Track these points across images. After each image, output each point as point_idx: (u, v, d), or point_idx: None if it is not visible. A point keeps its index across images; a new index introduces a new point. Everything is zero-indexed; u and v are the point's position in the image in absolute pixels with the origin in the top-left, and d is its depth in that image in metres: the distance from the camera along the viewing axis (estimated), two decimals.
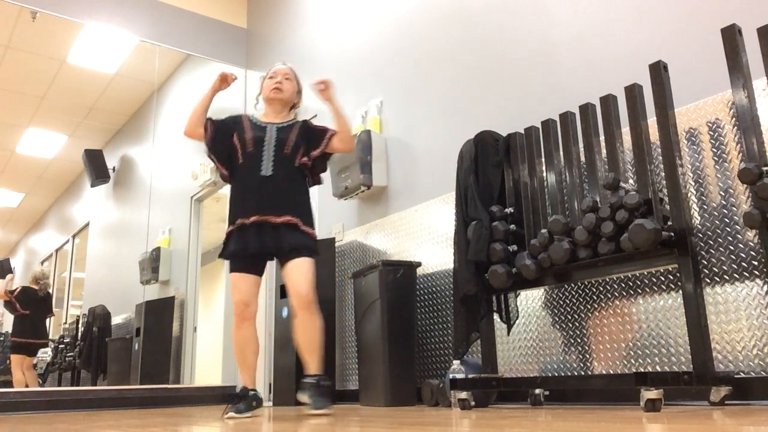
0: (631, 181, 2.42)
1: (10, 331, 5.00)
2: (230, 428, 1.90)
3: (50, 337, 5.34)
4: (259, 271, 2.70)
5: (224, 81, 2.78)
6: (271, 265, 5.02)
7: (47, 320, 5.19)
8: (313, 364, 2.61)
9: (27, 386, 4.83)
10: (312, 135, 2.81)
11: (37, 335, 5.02)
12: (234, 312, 2.66)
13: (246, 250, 2.62)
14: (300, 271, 2.60)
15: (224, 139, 2.77)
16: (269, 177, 2.66)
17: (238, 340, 2.65)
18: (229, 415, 2.49)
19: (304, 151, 2.76)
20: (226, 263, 5.48)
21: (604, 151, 2.54)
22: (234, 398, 2.56)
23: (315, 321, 2.60)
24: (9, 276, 5.05)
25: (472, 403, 2.44)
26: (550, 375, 2.65)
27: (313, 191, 4.43)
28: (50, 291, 5.25)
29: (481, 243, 2.61)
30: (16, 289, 5.02)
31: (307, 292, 2.58)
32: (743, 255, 2.12)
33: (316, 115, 4.07)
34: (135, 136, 5.83)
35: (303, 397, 2.55)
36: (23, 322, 4.96)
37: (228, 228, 2.70)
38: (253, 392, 2.61)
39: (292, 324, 2.65)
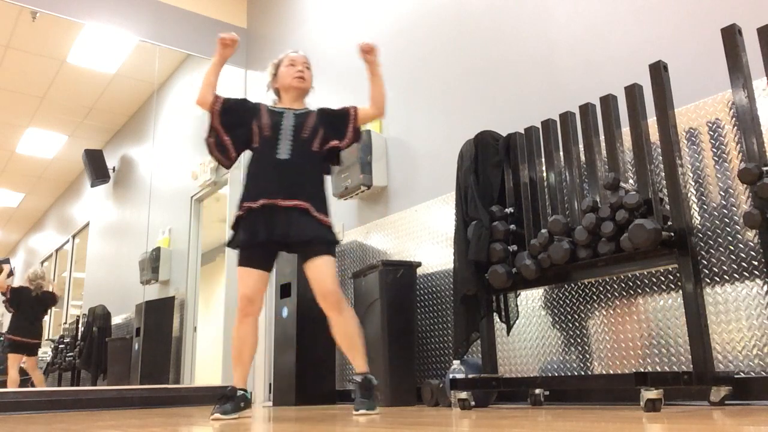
0: (631, 181, 2.42)
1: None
2: (230, 428, 1.89)
3: (48, 336, 5.34)
4: (267, 266, 2.60)
5: (226, 46, 2.73)
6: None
7: (42, 320, 5.19)
8: (357, 362, 2.54)
9: (33, 386, 4.85)
10: (333, 119, 2.72)
11: (30, 334, 5.02)
12: (238, 307, 2.57)
13: (255, 239, 2.51)
14: (323, 272, 2.52)
15: (242, 120, 2.68)
16: (286, 161, 2.57)
17: (238, 336, 2.56)
18: (215, 416, 2.40)
19: (324, 135, 2.67)
20: (227, 258, 5.52)
21: (604, 151, 2.54)
22: (222, 398, 2.48)
23: (347, 319, 2.54)
24: (6, 267, 5.05)
25: (472, 403, 2.44)
26: (550, 375, 2.65)
27: None
28: (49, 290, 5.25)
29: (481, 243, 2.61)
30: (10, 287, 5.03)
31: (332, 293, 2.51)
32: (743, 255, 2.12)
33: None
34: (135, 136, 5.83)
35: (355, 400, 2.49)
36: (17, 320, 4.98)
37: (236, 213, 2.58)
38: (242, 392, 2.53)
39: (330, 326, 2.58)
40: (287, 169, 2.57)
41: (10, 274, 5.16)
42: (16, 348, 4.91)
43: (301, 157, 2.60)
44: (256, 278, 2.57)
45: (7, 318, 5.07)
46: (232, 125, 2.68)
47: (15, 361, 4.88)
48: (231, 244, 2.61)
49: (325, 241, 2.54)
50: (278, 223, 2.51)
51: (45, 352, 5.27)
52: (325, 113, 2.75)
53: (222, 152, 2.69)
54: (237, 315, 2.58)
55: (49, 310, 5.31)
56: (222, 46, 2.74)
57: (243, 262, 2.58)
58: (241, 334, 2.56)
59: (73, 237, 5.76)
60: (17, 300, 5.01)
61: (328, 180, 2.76)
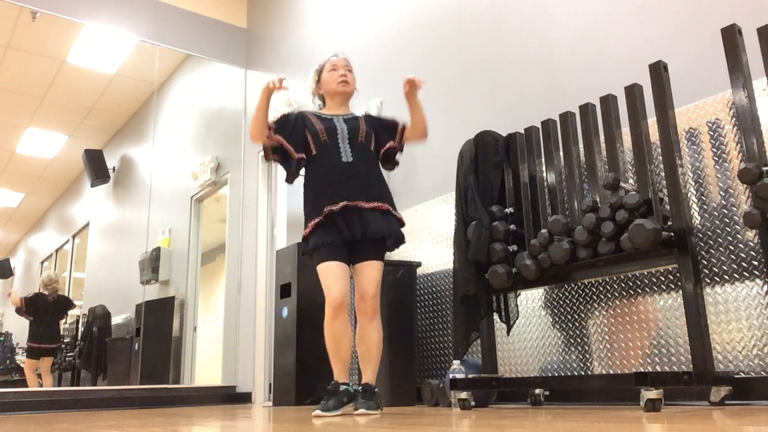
0: (631, 181, 2.42)
1: (10, 331, 5.03)
2: (228, 429, 1.90)
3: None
4: (348, 261, 2.60)
5: (271, 91, 2.62)
6: (270, 264, 5.02)
7: (60, 323, 5.21)
8: (366, 373, 2.56)
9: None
10: (383, 125, 2.78)
11: (47, 340, 5.05)
12: (329, 303, 2.49)
13: (342, 238, 2.52)
14: (371, 275, 2.56)
15: (295, 129, 2.68)
16: (351, 163, 2.61)
17: (334, 333, 2.50)
18: (316, 413, 2.36)
19: (377, 139, 2.73)
20: (227, 258, 5.52)
21: (604, 151, 2.54)
22: (324, 394, 2.46)
23: (374, 329, 2.55)
24: (13, 291, 5.09)
25: (472, 403, 2.44)
26: (550, 375, 2.65)
27: None
28: (63, 294, 5.28)
29: (481, 243, 2.61)
30: (23, 299, 5.06)
31: (372, 297, 2.54)
32: (743, 255, 2.12)
33: (382, 101, 4.02)
34: (135, 136, 5.83)
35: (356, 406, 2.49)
36: (35, 326, 5.00)
37: (312, 220, 2.56)
38: (344, 387, 2.49)
39: (357, 329, 2.59)
40: (354, 171, 2.60)
41: (11, 274, 5.16)
42: (33, 353, 4.94)
43: (363, 159, 2.65)
44: (345, 274, 2.55)
45: (8, 318, 5.07)
46: (287, 134, 2.67)
47: (31, 366, 4.91)
48: (309, 250, 2.58)
49: (397, 236, 2.63)
50: (358, 222, 2.54)
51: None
52: (372, 119, 2.79)
53: (286, 161, 2.69)
54: (328, 311, 2.50)
55: (66, 314, 5.33)
56: (268, 91, 2.62)
57: (329, 256, 2.52)
58: (336, 332, 2.50)
59: (73, 237, 5.76)
60: (34, 308, 5.04)
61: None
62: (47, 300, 5.11)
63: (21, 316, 4.98)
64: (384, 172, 2.78)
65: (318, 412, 2.37)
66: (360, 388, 2.52)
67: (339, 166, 2.60)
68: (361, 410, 2.41)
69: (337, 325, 2.50)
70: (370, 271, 2.58)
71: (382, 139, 2.75)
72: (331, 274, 2.51)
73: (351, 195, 2.55)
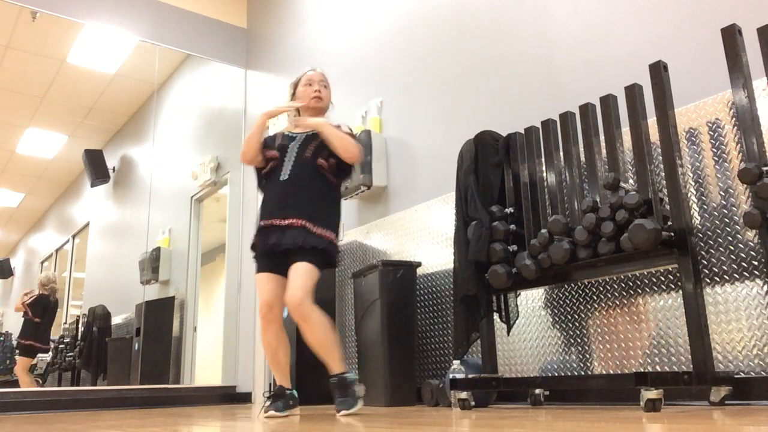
0: (631, 181, 2.42)
1: (10, 331, 5.03)
2: (227, 429, 1.90)
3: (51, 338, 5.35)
4: (284, 271, 2.66)
5: (271, 117, 2.80)
6: None
7: (52, 326, 5.22)
8: (330, 364, 2.57)
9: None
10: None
11: (43, 340, 5.04)
12: (259, 314, 2.65)
13: (258, 249, 2.67)
14: (291, 277, 2.53)
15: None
16: (286, 181, 2.67)
17: (266, 344, 2.64)
18: (270, 414, 2.49)
19: (328, 153, 2.71)
20: (227, 258, 5.52)
21: (604, 151, 2.54)
22: (273, 397, 2.58)
23: (313, 326, 2.51)
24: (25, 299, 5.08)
25: (472, 403, 2.44)
26: (550, 375, 2.65)
27: None
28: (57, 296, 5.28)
29: (481, 243, 2.61)
30: (31, 296, 5.04)
31: (291, 298, 2.49)
32: (743, 255, 2.12)
33: (382, 101, 4.03)
34: (135, 136, 5.83)
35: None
36: (29, 326, 4.98)
37: (254, 234, 2.75)
38: (289, 391, 2.62)
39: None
40: (286, 189, 2.66)
41: (11, 274, 5.16)
42: (29, 352, 4.93)
43: (302, 175, 2.67)
44: (273, 283, 2.65)
45: (8, 318, 5.07)
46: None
47: (26, 365, 4.90)
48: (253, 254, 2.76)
49: (313, 248, 2.56)
50: (273, 236, 2.61)
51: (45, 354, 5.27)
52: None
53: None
54: (260, 323, 2.65)
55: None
56: (268, 116, 2.79)
57: (258, 268, 2.69)
58: (268, 341, 2.64)
59: (73, 237, 5.76)
60: (42, 310, 5.03)
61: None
62: (50, 300, 5.11)
63: (28, 319, 4.97)
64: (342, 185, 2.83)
65: (272, 412, 2.51)
66: (335, 381, 2.51)
67: (275, 185, 2.69)
68: (342, 411, 2.43)
69: (267, 337, 2.64)
70: (292, 273, 2.55)
71: (331, 155, 2.73)
72: (260, 286, 2.67)
73: (272, 214, 2.64)
